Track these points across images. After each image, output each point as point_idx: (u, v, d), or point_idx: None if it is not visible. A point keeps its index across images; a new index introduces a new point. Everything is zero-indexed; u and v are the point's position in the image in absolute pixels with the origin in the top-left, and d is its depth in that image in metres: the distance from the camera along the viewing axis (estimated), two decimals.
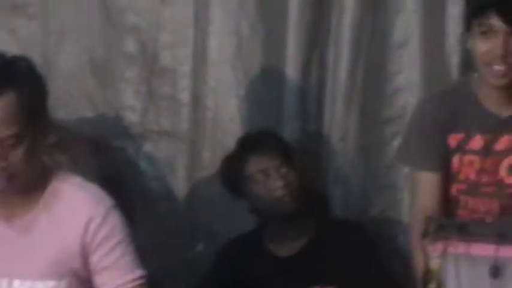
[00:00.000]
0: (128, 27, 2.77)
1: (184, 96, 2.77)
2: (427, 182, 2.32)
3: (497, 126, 2.26)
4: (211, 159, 2.75)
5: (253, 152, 2.52)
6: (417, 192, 2.37)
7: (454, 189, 2.34)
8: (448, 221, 2.07)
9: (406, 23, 2.66)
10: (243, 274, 2.54)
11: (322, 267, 2.49)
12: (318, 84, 2.74)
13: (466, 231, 2.02)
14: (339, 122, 2.71)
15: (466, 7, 2.30)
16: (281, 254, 2.56)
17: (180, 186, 2.78)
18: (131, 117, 2.79)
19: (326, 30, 2.71)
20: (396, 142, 2.68)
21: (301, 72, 2.72)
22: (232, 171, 2.56)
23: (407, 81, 2.68)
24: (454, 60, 2.63)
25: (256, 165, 2.50)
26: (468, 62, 2.42)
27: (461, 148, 2.29)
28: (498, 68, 2.17)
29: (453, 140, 2.30)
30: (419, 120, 2.36)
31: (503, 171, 2.28)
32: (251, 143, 2.56)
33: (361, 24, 2.68)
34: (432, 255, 2.02)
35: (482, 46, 2.18)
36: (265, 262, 2.56)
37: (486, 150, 2.27)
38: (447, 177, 2.32)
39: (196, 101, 2.77)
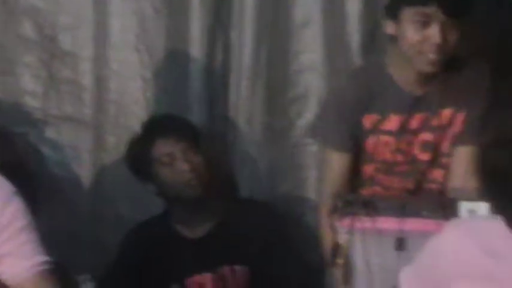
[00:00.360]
0: (24, 9, 2.72)
1: (86, 80, 2.75)
2: (338, 161, 2.36)
3: (411, 106, 2.30)
4: (115, 143, 2.73)
5: (160, 135, 2.52)
6: (327, 171, 2.40)
7: (370, 169, 2.38)
8: (355, 197, 2.13)
9: (308, 3, 2.69)
10: (151, 258, 2.55)
11: (231, 248, 2.53)
12: (223, 66, 2.76)
13: (371, 206, 2.08)
14: (244, 103, 2.73)
15: None
16: (190, 236, 2.58)
17: (84, 171, 2.76)
18: (32, 103, 2.74)
19: (229, 12, 2.73)
20: (301, 122, 2.73)
21: (205, 54, 2.73)
22: (139, 154, 2.55)
23: (310, 61, 2.71)
24: (355, 39, 2.67)
25: (162, 148, 2.51)
26: (370, 42, 2.49)
27: (376, 129, 2.33)
28: (432, 56, 2.21)
29: (368, 120, 2.33)
30: (336, 100, 2.38)
31: (416, 149, 2.33)
32: (157, 126, 2.56)
33: (264, 5, 2.71)
34: (340, 230, 2.08)
35: (416, 34, 2.20)
36: (174, 245, 2.57)
37: (401, 130, 2.32)
38: (358, 156, 2.36)
39: (99, 84, 2.75)
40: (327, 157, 2.40)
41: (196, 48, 2.73)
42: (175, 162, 2.50)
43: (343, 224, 2.08)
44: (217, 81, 2.76)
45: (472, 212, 2.01)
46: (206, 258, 2.53)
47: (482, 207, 1.98)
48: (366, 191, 2.38)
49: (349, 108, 2.33)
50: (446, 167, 2.33)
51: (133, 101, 2.75)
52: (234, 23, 2.73)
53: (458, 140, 2.32)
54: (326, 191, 2.36)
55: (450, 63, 2.27)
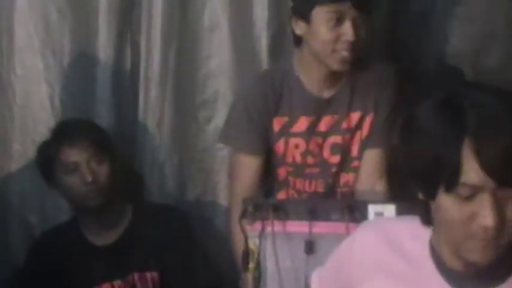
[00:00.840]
0: None
1: None
2: (248, 165, 2.37)
3: (320, 108, 2.32)
4: (21, 149, 2.71)
5: (65, 142, 2.50)
6: (237, 175, 2.41)
7: (282, 171, 2.40)
8: (264, 201, 2.15)
9: (215, 7, 2.70)
10: (60, 266, 2.53)
11: (140, 254, 2.53)
12: (132, 70, 2.76)
13: (281, 210, 2.11)
14: (153, 108, 2.73)
15: None
16: (99, 243, 2.57)
17: None
18: None
19: (138, 16, 2.73)
20: (210, 127, 2.75)
21: (113, 59, 2.72)
22: (46, 160, 2.54)
23: (218, 66, 2.71)
24: (263, 44, 2.68)
25: (67, 156, 2.50)
26: (277, 46, 2.53)
27: (285, 131, 2.35)
28: (346, 54, 2.21)
29: (277, 123, 2.35)
30: (243, 103, 2.38)
31: (326, 152, 2.35)
32: (64, 133, 2.54)
33: (172, 9, 2.69)
34: (251, 235, 2.11)
35: (329, 33, 2.20)
36: (83, 252, 2.56)
37: (310, 132, 2.34)
38: (268, 159, 2.38)
39: (4, 89, 2.72)
40: (238, 161, 2.40)
41: (104, 53, 2.71)
42: (79, 171, 2.49)
43: (253, 229, 2.11)
44: (125, 85, 2.76)
45: (379, 214, 2.05)
46: (116, 266, 2.53)
47: (390, 209, 2.04)
48: (280, 195, 2.39)
49: (257, 111, 2.33)
50: (356, 171, 2.36)
51: (39, 106, 2.73)
52: (142, 27, 2.73)
53: (366, 143, 2.35)
54: (236, 195, 2.36)
55: (358, 64, 2.29)
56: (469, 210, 1.37)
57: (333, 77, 2.30)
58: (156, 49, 2.71)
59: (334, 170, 2.37)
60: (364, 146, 2.36)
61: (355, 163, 2.37)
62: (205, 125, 2.76)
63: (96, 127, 2.60)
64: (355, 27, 2.20)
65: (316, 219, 2.09)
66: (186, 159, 2.77)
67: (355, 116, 2.35)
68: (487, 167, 1.33)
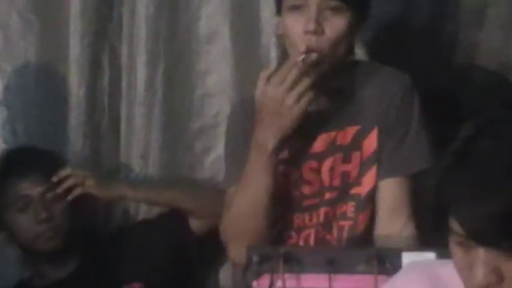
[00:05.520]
0: None
1: None
2: None
3: (311, 125, 2.27)
4: None
5: (15, 175, 2.54)
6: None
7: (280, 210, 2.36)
8: (273, 250, 2.10)
9: (213, 11, 2.71)
10: None
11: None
12: (111, 90, 2.77)
13: (294, 260, 2.07)
14: (138, 135, 2.74)
15: None
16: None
17: None
18: None
19: (117, 23, 2.75)
20: (209, 159, 2.74)
21: (88, 75, 2.73)
22: None
23: (218, 83, 2.72)
24: (272, 55, 2.69)
25: (16, 190, 2.53)
26: (287, 57, 2.48)
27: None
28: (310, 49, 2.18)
29: None
30: (228, 133, 2.40)
31: (325, 177, 2.31)
32: (13, 163, 2.57)
33: (160, 13, 2.70)
34: None
35: (290, 21, 2.20)
36: None
37: (300, 156, 2.30)
38: None
39: None
40: (231, 201, 2.35)
41: (76, 67, 2.73)
42: (30, 209, 2.52)
43: (260, 284, 2.07)
44: (103, 108, 2.76)
45: None
46: None
47: (429, 258, 1.98)
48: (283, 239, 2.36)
49: (238, 142, 2.32)
50: (357, 199, 2.31)
51: None
52: (123, 35, 2.74)
53: (380, 172, 2.29)
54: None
55: (355, 68, 2.29)
56: (468, 261, 1.39)
57: (323, 85, 2.24)
58: (140, 63, 2.71)
59: (334, 196, 2.32)
60: (364, 168, 2.30)
61: (355, 189, 2.31)
62: (202, 157, 2.74)
63: (51, 155, 2.61)
64: (320, 16, 2.18)
65: (337, 271, 2.06)
66: None
67: (351, 131, 2.30)
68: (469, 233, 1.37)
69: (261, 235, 2.27)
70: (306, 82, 2.17)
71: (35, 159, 2.58)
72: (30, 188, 2.53)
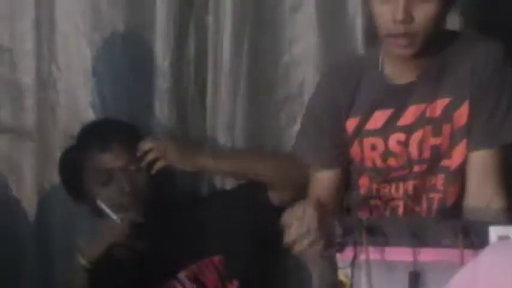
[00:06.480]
0: None
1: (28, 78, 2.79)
2: (322, 182, 2.37)
3: (399, 97, 2.28)
4: None
5: (96, 148, 2.52)
6: (314, 193, 2.37)
7: (364, 181, 2.38)
8: (357, 222, 2.10)
9: None
10: None
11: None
12: (197, 59, 2.77)
13: (378, 233, 2.07)
14: (224, 105, 2.74)
15: None
16: None
17: (26, 192, 2.82)
18: None
19: None
20: (295, 128, 2.72)
21: (174, 45, 2.74)
22: (72, 170, 2.56)
23: (304, 52, 2.71)
24: (357, 24, 2.67)
25: (99, 164, 2.52)
26: (373, 26, 2.46)
27: (359, 132, 2.33)
28: (400, 39, 2.18)
29: (350, 125, 2.33)
30: (313, 104, 2.40)
31: (413, 150, 2.31)
32: (93, 136, 2.56)
33: None
34: (341, 264, 2.08)
35: (378, 7, 2.19)
36: None
37: (389, 128, 2.30)
38: (347, 170, 2.37)
39: (44, 87, 2.78)
40: (313, 177, 2.39)
41: (162, 37, 2.73)
42: (115, 180, 2.51)
43: (344, 257, 2.08)
44: (190, 77, 2.77)
45: (504, 238, 1.97)
46: None
47: None
48: (364, 209, 2.37)
49: (326, 117, 2.34)
50: (446, 171, 2.31)
51: (86, 105, 2.77)
52: (209, 5, 2.74)
53: (471, 144, 2.28)
54: None
55: (447, 39, 2.26)
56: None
57: (414, 59, 2.25)
58: (226, 32, 2.71)
59: (423, 169, 2.32)
60: (455, 141, 2.29)
61: (445, 162, 2.31)
62: (287, 126, 2.76)
63: (131, 127, 2.62)
64: (409, 4, 2.16)
65: (422, 244, 2.05)
66: None
67: (441, 103, 2.28)
68: None
69: None
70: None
71: (116, 131, 2.56)
72: (112, 161, 2.52)
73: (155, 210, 2.57)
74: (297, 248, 2.14)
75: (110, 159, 2.52)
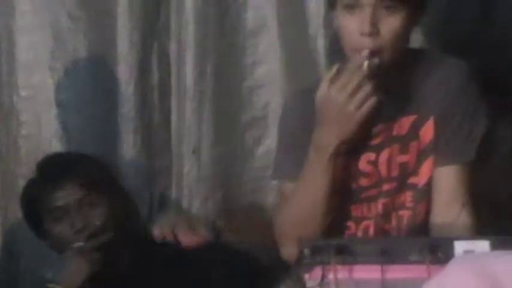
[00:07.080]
0: None
1: None
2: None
3: (368, 117, 2.24)
4: None
5: (50, 184, 2.48)
6: (285, 210, 2.34)
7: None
8: (325, 242, 2.09)
9: (261, 3, 2.73)
10: None
11: None
12: (160, 85, 2.77)
13: (346, 251, 2.05)
14: (189, 130, 2.75)
15: None
16: None
17: None
18: None
19: (165, 20, 2.76)
20: (260, 149, 2.75)
21: (137, 71, 2.75)
22: (30, 205, 2.53)
23: (267, 74, 2.74)
24: (319, 45, 2.69)
25: (52, 200, 2.47)
26: (335, 47, 2.48)
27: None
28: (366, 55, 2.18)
29: None
30: (285, 123, 2.38)
31: (383, 168, 2.31)
32: (50, 170, 2.52)
33: (207, 7, 2.72)
34: (309, 284, 2.05)
35: (344, 21, 2.18)
36: None
37: (358, 149, 2.28)
38: None
39: (5, 116, 2.79)
40: (284, 193, 2.37)
41: (125, 64, 2.75)
42: (68, 217, 2.47)
43: (312, 276, 2.06)
44: (153, 104, 2.77)
45: (470, 252, 1.98)
46: None
47: (482, 247, 1.96)
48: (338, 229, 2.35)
49: (298, 131, 2.32)
50: (415, 189, 2.31)
51: (50, 133, 2.77)
52: (171, 30, 2.75)
53: (437, 160, 2.28)
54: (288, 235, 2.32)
55: (411, 57, 2.26)
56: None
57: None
58: (189, 57, 2.73)
59: (392, 187, 2.31)
60: (422, 158, 2.29)
61: (413, 179, 2.31)
62: (253, 148, 2.77)
63: (89, 161, 2.56)
64: (375, 17, 2.15)
65: (390, 261, 2.03)
66: (231, 194, 2.77)
67: (407, 121, 2.29)
68: None
69: (318, 230, 2.28)
70: (368, 88, 2.16)
71: (71, 166, 2.51)
72: (64, 198, 2.46)
73: (118, 240, 2.51)
74: (351, 106, 2.15)
75: (62, 197, 2.46)
